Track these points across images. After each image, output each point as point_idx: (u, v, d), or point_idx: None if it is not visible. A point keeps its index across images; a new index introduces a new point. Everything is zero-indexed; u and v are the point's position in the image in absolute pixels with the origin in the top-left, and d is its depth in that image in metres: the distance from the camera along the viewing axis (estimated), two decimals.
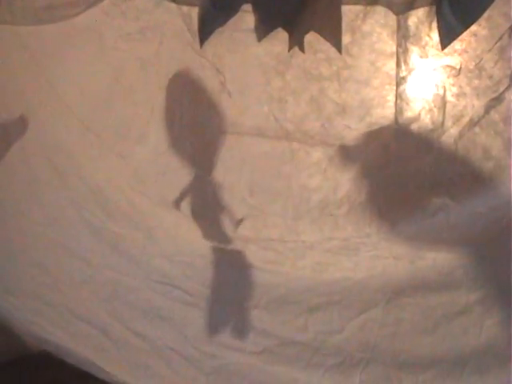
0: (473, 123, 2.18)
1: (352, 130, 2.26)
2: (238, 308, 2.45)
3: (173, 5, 2.34)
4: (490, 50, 2.14)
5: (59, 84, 2.58)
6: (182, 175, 2.45)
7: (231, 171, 2.38)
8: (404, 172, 2.19)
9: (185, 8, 2.33)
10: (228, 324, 2.48)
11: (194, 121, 2.43)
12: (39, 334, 2.69)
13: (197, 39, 2.29)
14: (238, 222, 2.41)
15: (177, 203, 2.50)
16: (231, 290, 2.44)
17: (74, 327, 2.64)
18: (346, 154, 2.24)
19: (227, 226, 2.46)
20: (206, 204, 2.47)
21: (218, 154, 2.44)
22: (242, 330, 2.43)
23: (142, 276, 2.56)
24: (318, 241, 2.27)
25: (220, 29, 2.27)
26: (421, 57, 2.17)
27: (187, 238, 2.49)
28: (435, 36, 2.14)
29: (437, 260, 2.20)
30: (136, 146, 2.49)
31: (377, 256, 2.23)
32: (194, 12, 2.30)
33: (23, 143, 2.73)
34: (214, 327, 2.44)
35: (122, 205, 2.58)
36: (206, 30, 2.29)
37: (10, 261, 2.80)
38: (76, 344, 2.63)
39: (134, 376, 2.51)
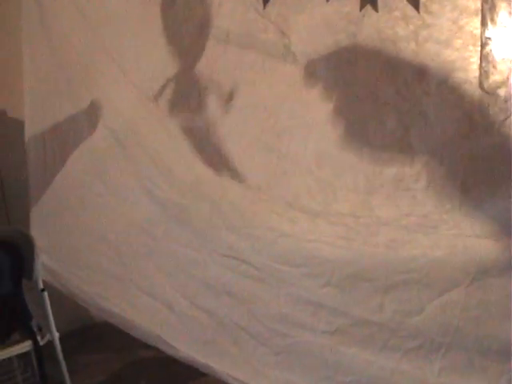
0: None
1: (431, 96, 2.07)
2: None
3: None
4: None
5: (116, 51, 2.57)
6: (244, 143, 2.29)
7: (295, 140, 2.25)
8: (490, 142, 1.98)
9: None
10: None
11: None
12: (105, 306, 2.70)
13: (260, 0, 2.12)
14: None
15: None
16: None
17: (139, 300, 2.64)
18: (424, 122, 2.04)
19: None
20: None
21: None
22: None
23: (208, 249, 2.52)
24: (393, 217, 2.11)
25: None
26: (510, 14, 1.93)
27: (253, 210, 2.41)
28: None
29: None
30: (195, 115, 2.36)
31: (458, 234, 2.04)
32: None
33: (84, 111, 2.69)
34: None
35: (184, 175, 2.53)
36: None
37: (74, 233, 2.81)
38: (141, 318, 2.62)
39: (202, 352, 2.45)
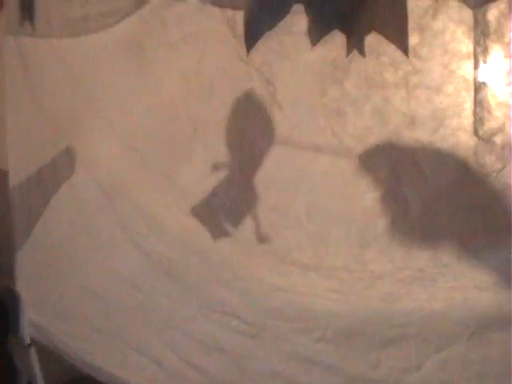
0: None
1: (423, 145, 2.01)
2: None
3: (216, 9, 2.15)
4: None
5: (98, 100, 2.49)
6: (231, 195, 2.21)
7: (285, 192, 2.18)
8: (487, 192, 1.91)
9: (229, 12, 2.14)
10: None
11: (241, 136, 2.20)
12: (91, 362, 2.61)
13: (243, 46, 2.07)
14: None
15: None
16: None
17: (127, 357, 2.56)
18: (418, 172, 1.96)
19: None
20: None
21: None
22: None
23: (198, 304, 2.45)
24: (388, 271, 2.05)
25: (268, 33, 2.04)
26: (504, 57, 1.87)
27: (244, 263, 2.34)
28: None
29: None
30: (181, 165, 2.30)
31: (457, 286, 1.98)
32: (239, 16, 2.09)
33: (68, 162, 2.64)
34: None
35: (172, 227, 2.46)
36: (252, 35, 2.06)
37: (61, 287, 2.75)
38: (128, 374, 2.53)
39: None
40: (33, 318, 2.79)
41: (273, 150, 2.20)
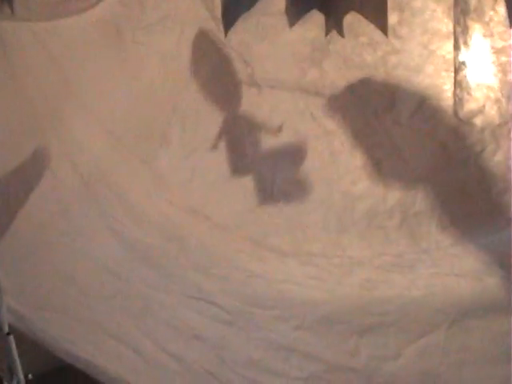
0: None
1: (402, 127, 1.99)
2: None
3: None
4: None
5: (77, 84, 2.44)
6: (209, 181, 2.18)
7: (263, 175, 2.15)
8: (467, 176, 1.88)
9: None
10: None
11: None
12: (69, 350, 2.57)
13: (221, 27, 2.04)
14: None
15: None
16: None
17: (105, 344, 2.50)
18: (397, 155, 1.93)
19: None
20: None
21: None
22: None
23: (176, 291, 2.40)
24: (366, 257, 2.01)
25: (246, 14, 2.00)
26: (484, 36, 1.85)
27: (222, 249, 2.30)
28: (501, 10, 1.80)
29: (508, 277, 1.87)
30: (159, 150, 2.26)
31: (436, 273, 1.94)
32: None
33: (47, 148, 2.60)
34: None
35: (150, 213, 2.42)
36: (230, 16, 2.04)
37: (40, 275, 2.70)
38: (107, 362, 2.49)
39: None
40: (12, 306, 2.74)
41: (252, 133, 2.15)
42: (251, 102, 2.13)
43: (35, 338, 2.70)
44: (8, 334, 2.72)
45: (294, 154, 2.10)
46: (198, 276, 2.33)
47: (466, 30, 1.88)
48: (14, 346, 2.73)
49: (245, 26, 2.07)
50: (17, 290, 2.71)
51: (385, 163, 2.01)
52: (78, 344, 2.56)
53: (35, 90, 2.56)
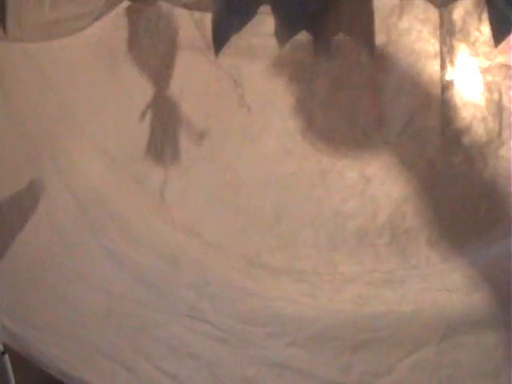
0: None
1: (391, 145, 2.01)
2: None
3: (184, 11, 2.14)
4: None
5: (71, 104, 2.46)
6: (201, 200, 2.20)
7: (255, 195, 2.16)
8: (455, 193, 1.91)
9: (197, 14, 2.13)
10: None
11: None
12: (63, 369, 2.58)
13: (211, 48, 2.04)
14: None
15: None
16: None
17: (99, 363, 2.52)
18: (386, 173, 1.95)
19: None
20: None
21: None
22: None
23: (169, 309, 2.41)
24: (357, 273, 2.04)
25: (236, 35, 2.01)
26: (470, 55, 1.87)
27: (214, 267, 2.32)
28: (486, 30, 1.82)
29: (498, 292, 1.91)
30: (152, 169, 2.28)
31: (426, 288, 1.96)
32: (208, 18, 2.06)
33: (40, 168, 2.61)
34: None
35: (144, 232, 2.43)
36: (221, 37, 2.04)
37: (33, 293, 2.71)
38: (101, 381, 2.52)
39: None
40: (6, 325, 2.75)
41: (242, 153, 2.17)
42: (241, 122, 2.14)
43: (29, 357, 2.71)
44: (3, 353, 2.73)
45: (285, 174, 2.11)
46: (191, 294, 2.34)
47: (451, 50, 1.91)
48: (8, 365, 2.74)
49: (235, 46, 2.07)
50: (11, 309, 2.72)
51: (374, 181, 2.02)
52: (72, 363, 2.58)
53: (28, 111, 2.58)
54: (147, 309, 2.44)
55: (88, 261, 2.54)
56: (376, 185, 2.03)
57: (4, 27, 2.46)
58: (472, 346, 2.00)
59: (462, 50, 1.91)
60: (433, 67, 1.95)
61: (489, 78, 1.91)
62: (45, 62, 2.46)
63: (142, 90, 2.33)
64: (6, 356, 2.73)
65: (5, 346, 2.75)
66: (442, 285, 1.99)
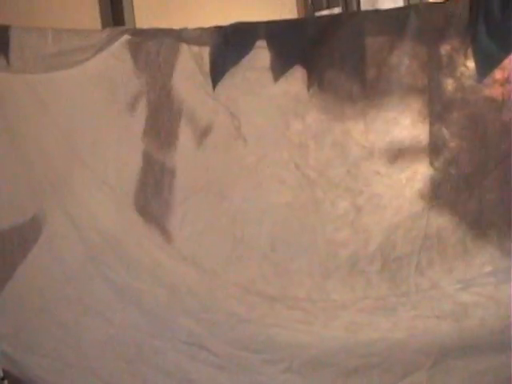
0: None
1: (382, 176, 2.05)
2: None
3: (183, 45, 2.21)
4: None
5: (72, 135, 2.53)
6: (198, 228, 2.24)
7: (250, 224, 2.20)
8: (443, 222, 1.95)
9: (195, 48, 2.19)
10: None
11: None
12: None
13: (209, 81, 2.11)
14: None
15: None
16: None
17: None
18: (377, 203, 2.00)
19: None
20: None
21: None
22: None
23: (167, 336, 2.44)
24: (350, 300, 2.07)
25: (233, 69, 2.08)
26: (456, 90, 1.92)
27: (211, 295, 2.34)
28: (472, 65, 1.87)
29: (485, 318, 1.94)
30: (150, 199, 2.33)
31: (417, 315, 2.00)
32: (206, 52, 2.14)
33: (42, 198, 2.65)
34: None
35: (141, 260, 2.46)
36: (218, 71, 2.12)
37: (33, 320, 2.74)
38: None
39: None
40: (6, 351, 2.78)
41: (238, 183, 2.22)
42: (237, 154, 2.19)
43: (30, 382, 2.74)
44: (2, 379, 2.76)
45: (279, 204, 2.15)
46: (188, 321, 2.38)
47: (439, 85, 1.96)
48: None
49: (232, 80, 2.14)
50: (11, 335, 2.76)
51: (365, 211, 2.06)
52: None
53: (31, 143, 2.63)
54: (146, 336, 2.47)
55: (88, 288, 2.57)
56: (367, 214, 2.06)
57: (7, 58, 2.53)
58: (462, 371, 2.03)
59: (449, 85, 1.95)
60: (421, 101, 1.98)
61: (474, 110, 1.96)
62: (47, 93, 2.52)
63: (140, 122, 2.38)
64: (6, 382, 2.76)
65: (4, 371, 2.79)
66: (432, 312, 2.02)
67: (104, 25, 3.81)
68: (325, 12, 4.02)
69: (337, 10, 3.95)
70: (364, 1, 3.83)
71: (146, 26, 2.65)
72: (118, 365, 2.51)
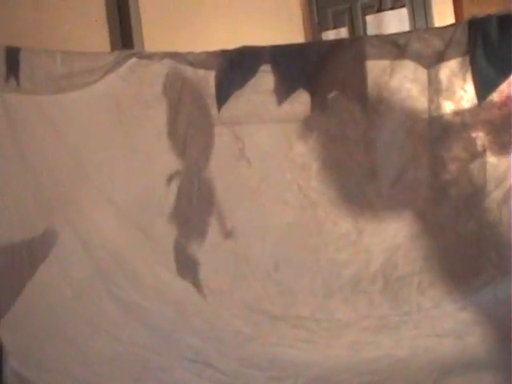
0: None
1: (383, 197, 2.07)
2: None
3: (189, 69, 2.24)
4: None
5: (80, 154, 2.53)
6: (203, 248, 2.28)
7: (254, 243, 2.22)
8: (443, 242, 1.97)
9: (201, 72, 2.23)
10: None
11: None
12: None
13: (214, 104, 2.15)
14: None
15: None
16: None
17: None
18: (378, 223, 2.02)
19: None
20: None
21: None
22: None
23: (174, 354, 2.45)
24: (353, 319, 2.09)
25: (238, 92, 2.12)
26: (455, 113, 1.95)
27: (217, 313, 2.36)
28: (470, 89, 1.90)
29: (486, 337, 1.95)
30: (155, 219, 2.36)
31: (419, 334, 2.02)
32: (211, 75, 2.17)
33: (52, 216, 2.68)
34: None
35: (148, 278, 2.48)
36: (223, 94, 2.16)
37: (42, 337, 2.75)
38: None
39: None
40: (15, 368, 2.80)
41: (242, 203, 2.25)
42: (241, 175, 2.22)
43: None
44: None
45: (282, 224, 2.18)
46: (195, 339, 2.39)
47: (439, 108, 2.00)
48: None
49: (236, 103, 2.18)
50: (20, 352, 2.78)
51: (366, 232, 2.09)
52: None
53: (39, 160, 2.66)
54: (153, 353, 2.48)
55: (96, 306, 2.59)
56: (369, 234, 2.09)
57: (17, 80, 2.58)
58: None
59: (448, 108, 1.99)
60: (422, 123, 2.01)
61: (473, 133, 1.99)
62: (56, 114, 2.55)
63: (147, 144, 2.41)
64: None
65: None
66: (433, 331, 2.04)
67: (113, 45, 3.84)
68: (331, 32, 4.06)
69: (343, 30, 3.98)
70: (370, 21, 3.87)
71: (154, 46, 2.68)
72: (126, 382, 2.51)
